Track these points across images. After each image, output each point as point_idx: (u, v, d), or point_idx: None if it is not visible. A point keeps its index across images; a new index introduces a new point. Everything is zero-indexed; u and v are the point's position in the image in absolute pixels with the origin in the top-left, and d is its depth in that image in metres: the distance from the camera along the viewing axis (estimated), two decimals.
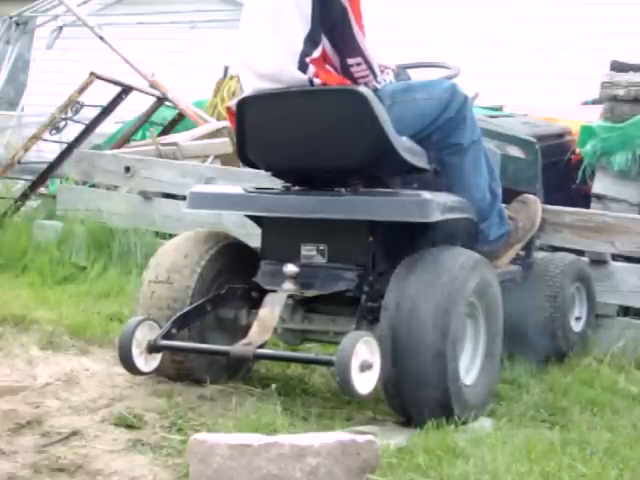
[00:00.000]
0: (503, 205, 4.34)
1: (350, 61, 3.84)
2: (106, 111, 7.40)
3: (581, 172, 5.55)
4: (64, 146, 7.47)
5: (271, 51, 3.82)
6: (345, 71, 3.86)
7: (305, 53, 3.78)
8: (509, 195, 4.48)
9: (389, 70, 4.24)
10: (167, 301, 3.93)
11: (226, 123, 7.32)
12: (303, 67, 3.79)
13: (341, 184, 3.85)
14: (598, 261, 4.99)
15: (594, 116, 5.80)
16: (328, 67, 3.85)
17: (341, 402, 3.88)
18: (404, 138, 3.88)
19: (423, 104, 3.98)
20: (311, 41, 3.78)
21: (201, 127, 7.30)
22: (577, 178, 5.56)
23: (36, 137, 7.45)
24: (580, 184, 5.59)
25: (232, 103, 4.10)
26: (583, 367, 4.48)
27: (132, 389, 3.87)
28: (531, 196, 4.60)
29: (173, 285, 3.94)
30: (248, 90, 3.95)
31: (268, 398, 3.71)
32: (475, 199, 4.04)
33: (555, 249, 5.00)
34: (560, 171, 5.58)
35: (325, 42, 3.81)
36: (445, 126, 4.00)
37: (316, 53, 3.80)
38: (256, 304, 3.88)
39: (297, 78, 3.79)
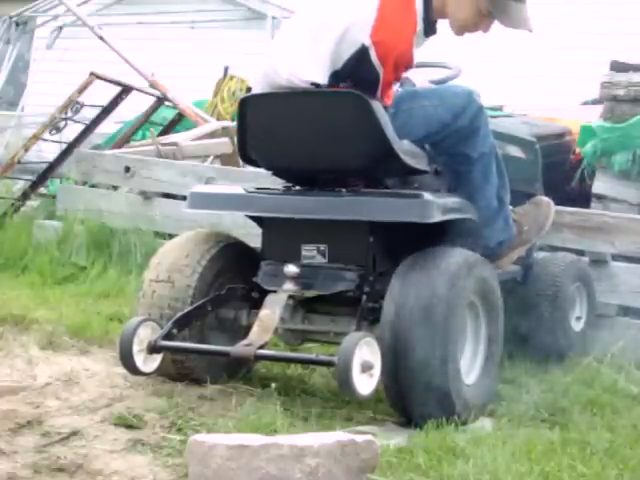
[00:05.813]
0: (510, 207, 4.31)
1: None
2: (106, 111, 7.39)
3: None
4: (64, 146, 7.47)
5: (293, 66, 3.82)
6: None
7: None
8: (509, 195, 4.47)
9: None
10: (168, 300, 3.93)
11: (226, 123, 7.34)
12: None
13: (342, 184, 3.85)
14: (598, 261, 4.99)
15: (594, 116, 5.79)
16: None
17: (341, 402, 3.88)
18: (405, 141, 3.87)
19: (432, 110, 3.94)
20: (334, 78, 3.79)
21: (201, 127, 7.30)
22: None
23: (36, 137, 7.45)
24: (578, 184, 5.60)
25: None
26: (583, 367, 4.47)
27: (132, 389, 3.87)
28: (544, 198, 4.54)
29: (174, 285, 3.94)
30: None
31: (268, 398, 3.70)
32: (479, 206, 4.02)
33: (555, 249, 4.99)
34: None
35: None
36: (456, 134, 3.95)
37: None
38: (257, 304, 3.88)
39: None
